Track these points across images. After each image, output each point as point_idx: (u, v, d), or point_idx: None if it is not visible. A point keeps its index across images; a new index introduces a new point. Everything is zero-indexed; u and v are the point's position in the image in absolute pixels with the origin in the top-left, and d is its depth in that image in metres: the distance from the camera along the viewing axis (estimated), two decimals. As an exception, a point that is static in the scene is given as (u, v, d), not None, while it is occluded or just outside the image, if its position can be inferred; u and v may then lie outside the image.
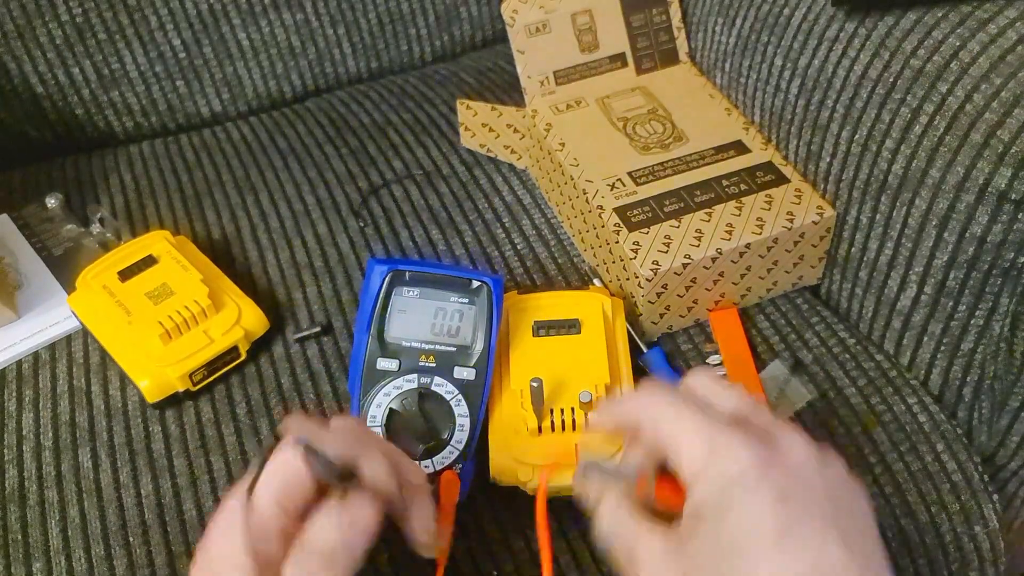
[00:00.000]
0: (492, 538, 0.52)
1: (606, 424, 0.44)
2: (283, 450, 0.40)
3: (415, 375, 0.53)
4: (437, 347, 0.54)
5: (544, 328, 0.57)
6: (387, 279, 0.54)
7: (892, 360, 0.61)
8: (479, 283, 0.55)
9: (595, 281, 0.64)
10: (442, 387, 0.53)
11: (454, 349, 0.54)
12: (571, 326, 0.56)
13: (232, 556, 0.38)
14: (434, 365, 0.54)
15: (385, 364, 0.54)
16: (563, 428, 0.53)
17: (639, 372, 0.58)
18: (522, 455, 0.52)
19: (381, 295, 0.54)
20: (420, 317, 0.54)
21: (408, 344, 0.54)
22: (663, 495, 0.39)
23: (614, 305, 0.58)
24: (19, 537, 0.54)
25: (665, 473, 0.39)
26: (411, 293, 0.55)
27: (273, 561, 0.38)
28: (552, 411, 0.53)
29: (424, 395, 0.53)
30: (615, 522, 0.40)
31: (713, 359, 0.60)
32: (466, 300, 0.55)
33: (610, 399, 0.46)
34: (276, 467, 0.39)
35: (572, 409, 0.52)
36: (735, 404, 0.40)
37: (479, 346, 0.54)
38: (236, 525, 0.38)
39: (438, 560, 0.46)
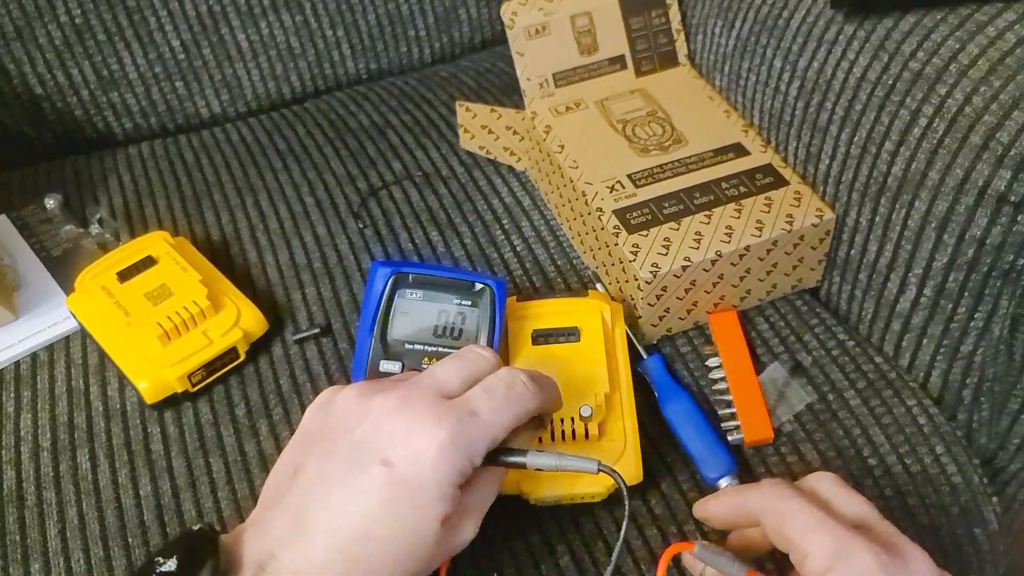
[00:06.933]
0: (493, 539, 0.52)
1: (725, 510, 0.46)
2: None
3: None
4: (440, 349, 0.54)
5: (543, 336, 0.57)
6: (390, 281, 0.54)
7: (892, 362, 0.61)
8: (482, 285, 0.55)
9: (597, 286, 0.64)
10: None
11: (456, 351, 0.54)
12: (570, 334, 0.57)
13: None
14: None
15: (388, 366, 0.54)
16: (563, 438, 0.52)
17: (638, 379, 0.58)
18: None
19: (384, 297, 0.54)
20: (423, 319, 0.54)
21: (411, 346, 0.54)
22: None
23: (613, 311, 0.58)
24: (17, 538, 0.54)
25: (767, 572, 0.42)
26: (414, 295, 0.55)
27: None
28: (552, 421, 0.53)
29: None
30: None
31: (712, 361, 0.60)
32: (469, 302, 0.55)
33: (731, 488, 0.47)
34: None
35: (572, 419, 0.52)
36: (859, 510, 0.42)
37: None
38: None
39: (441, 562, 0.46)
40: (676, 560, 0.50)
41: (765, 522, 0.42)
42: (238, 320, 0.61)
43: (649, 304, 0.59)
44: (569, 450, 0.51)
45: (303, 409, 0.58)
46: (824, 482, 0.44)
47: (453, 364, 0.45)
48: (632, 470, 0.51)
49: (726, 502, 0.46)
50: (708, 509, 0.47)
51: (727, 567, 0.43)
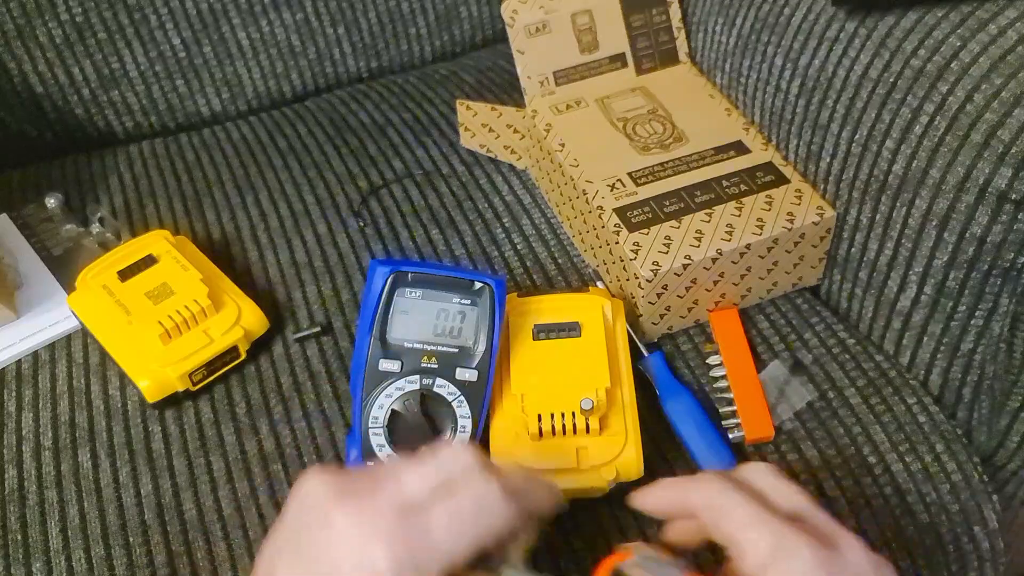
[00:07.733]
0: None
1: (663, 503, 0.45)
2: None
3: (417, 376, 0.53)
4: (439, 348, 0.54)
5: (544, 331, 0.57)
6: (389, 280, 0.54)
7: (892, 360, 0.61)
8: (481, 284, 0.55)
9: (598, 283, 0.64)
10: (444, 388, 0.53)
11: (456, 350, 0.54)
12: (571, 329, 0.56)
13: None
14: (436, 366, 0.54)
15: (387, 365, 0.54)
16: (563, 432, 0.53)
17: (639, 377, 0.58)
18: (523, 460, 0.52)
19: (383, 296, 0.54)
20: (422, 318, 0.54)
21: (410, 345, 0.54)
22: None
23: (614, 307, 0.58)
24: (19, 537, 0.54)
25: (705, 571, 0.42)
26: (413, 294, 0.55)
27: None
28: (553, 415, 0.53)
29: (426, 396, 0.53)
30: None
31: (713, 359, 0.60)
32: (468, 301, 0.55)
33: (667, 481, 0.47)
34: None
35: (573, 414, 0.52)
36: (795, 502, 0.42)
37: (481, 347, 0.54)
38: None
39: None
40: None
41: (703, 516, 0.42)
42: (239, 319, 0.61)
43: (650, 302, 0.59)
44: (569, 444, 0.51)
45: (303, 408, 0.59)
46: (760, 473, 0.43)
47: (423, 471, 0.42)
48: (633, 465, 0.52)
49: (664, 495, 0.45)
50: (646, 501, 0.46)
51: (667, 569, 0.41)
